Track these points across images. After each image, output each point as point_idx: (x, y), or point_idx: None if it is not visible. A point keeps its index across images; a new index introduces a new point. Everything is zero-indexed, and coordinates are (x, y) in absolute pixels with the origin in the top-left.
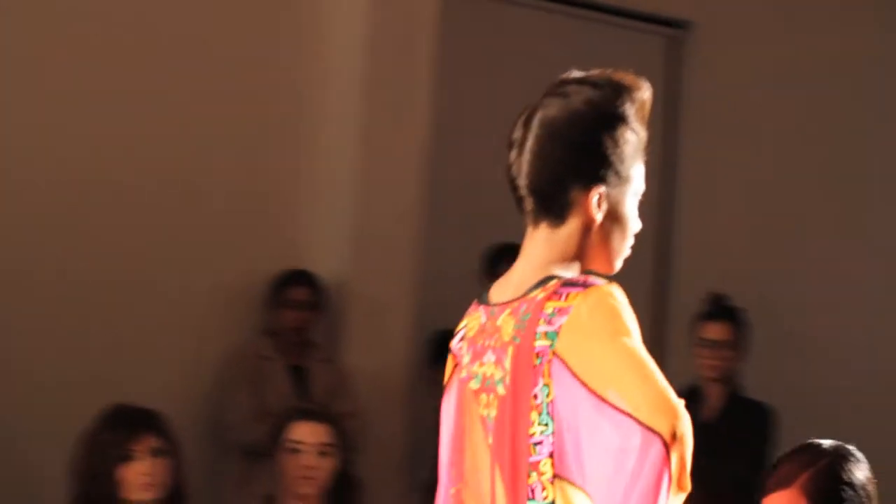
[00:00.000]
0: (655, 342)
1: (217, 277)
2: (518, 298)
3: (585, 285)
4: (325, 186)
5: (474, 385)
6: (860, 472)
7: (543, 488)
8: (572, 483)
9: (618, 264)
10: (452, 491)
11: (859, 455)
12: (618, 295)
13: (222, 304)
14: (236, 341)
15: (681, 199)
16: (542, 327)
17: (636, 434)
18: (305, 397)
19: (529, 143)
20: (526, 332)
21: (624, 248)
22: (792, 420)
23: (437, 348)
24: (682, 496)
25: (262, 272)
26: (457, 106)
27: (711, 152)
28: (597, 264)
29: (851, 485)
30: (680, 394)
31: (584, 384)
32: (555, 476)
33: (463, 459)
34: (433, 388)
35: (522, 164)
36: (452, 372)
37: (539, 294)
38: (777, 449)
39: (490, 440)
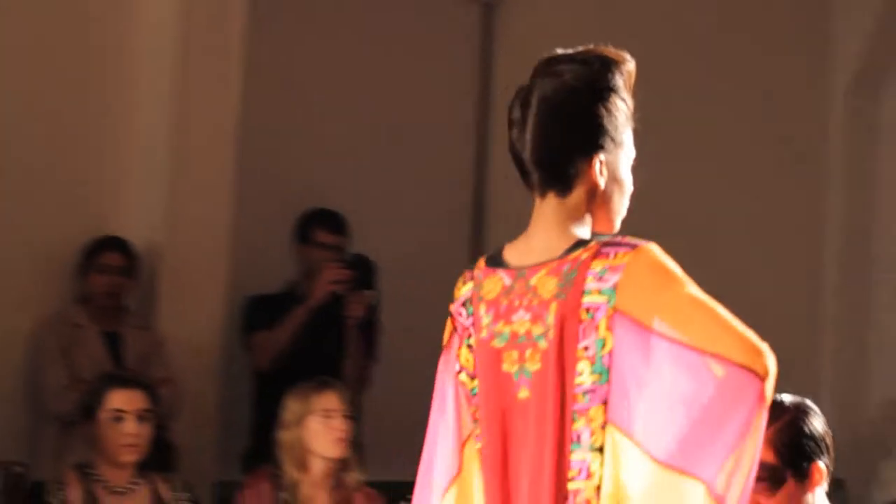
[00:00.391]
0: None
1: (28, 246)
2: (556, 259)
3: (630, 245)
4: (138, 153)
5: (498, 343)
6: (819, 424)
7: (592, 433)
8: (622, 431)
9: (617, 223)
10: (478, 446)
11: (816, 408)
12: (661, 252)
13: (34, 272)
14: (49, 309)
15: (494, 166)
16: (593, 284)
17: (725, 376)
18: (119, 364)
19: (531, 122)
20: (573, 289)
21: (622, 208)
22: None
23: (250, 314)
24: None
25: (74, 240)
26: (270, 75)
27: None
28: (600, 225)
29: (813, 437)
30: None
31: (663, 335)
32: (605, 423)
33: (485, 415)
34: (246, 353)
35: (526, 142)
36: (452, 334)
37: (583, 254)
38: None
39: (522, 394)
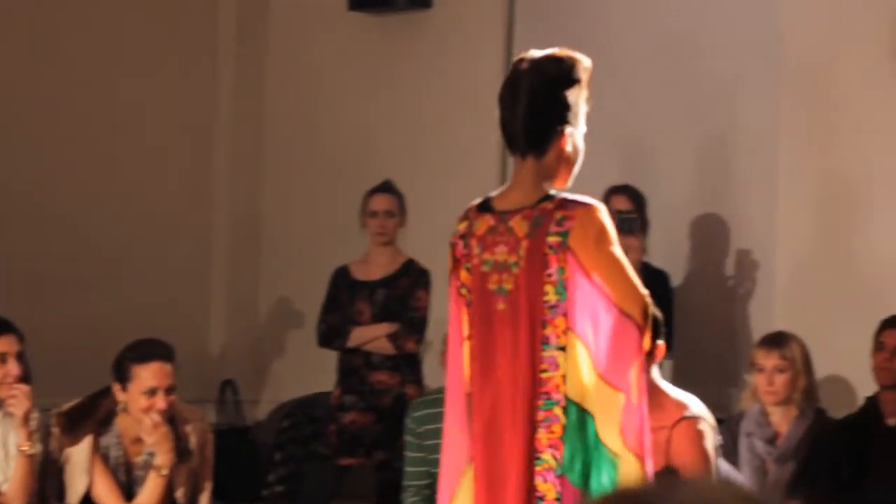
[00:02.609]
0: None
1: None
2: (529, 208)
3: (583, 203)
4: None
5: (485, 268)
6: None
7: (558, 336)
8: (578, 336)
9: (571, 181)
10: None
11: None
12: (605, 211)
13: None
14: None
15: None
16: (554, 228)
17: (618, 318)
18: None
19: (521, 103)
20: (540, 230)
21: (577, 169)
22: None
23: None
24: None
25: None
26: None
27: None
28: (560, 182)
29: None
30: None
31: (587, 274)
32: (567, 329)
33: (476, 321)
34: None
35: (517, 117)
36: (453, 260)
37: (549, 205)
38: None
39: (500, 306)
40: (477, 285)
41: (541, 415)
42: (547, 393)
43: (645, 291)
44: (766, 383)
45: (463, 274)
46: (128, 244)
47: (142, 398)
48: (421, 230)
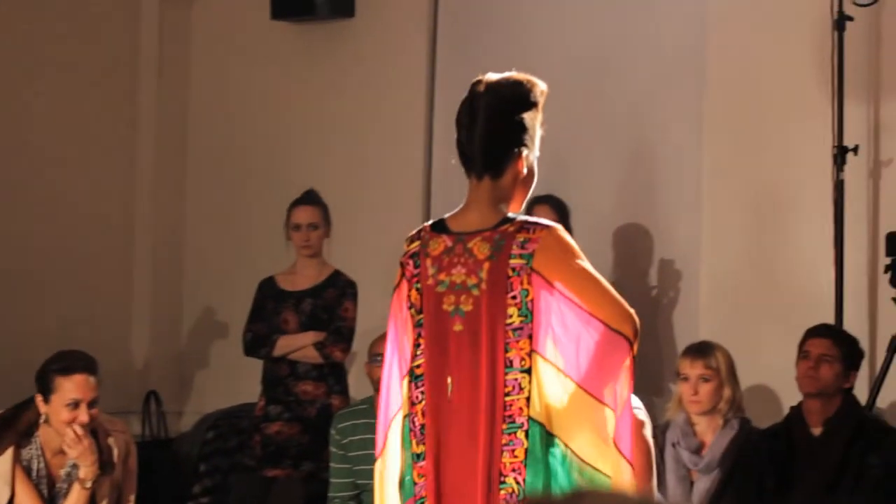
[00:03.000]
0: None
1: None
2: (489, 230)
3: (544, 225)
4: None
5: (441, 288)
6: None
7: (522, 359)
8: (543, 357)
9: (524, 204)
10: (418, 362)
11: None
12: (564, 231)
13: None
14: None
15: None
16: (517, 250)
17: (606, 335)
18: None
19: (479, 124)
20: (502, 253)
21: (531, 192)
22: None
23: None
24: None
25: None
26: None
27: None
28: (516, 204)
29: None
30: None
31: (563, 295)
32: (531, 351)
33: (427, 340)
34: None
35: (474, 138)
36: (402, 278)
37: (510, 228)
38: None
39: (457, 327)
40: (430, 306)
41: (504, 438)
42: (511, 416)
43: (632, 311)
44: (690, 392)
45: (413, 294)
46: (50, 254)
47: (64, 410)
48: (344, 240)
